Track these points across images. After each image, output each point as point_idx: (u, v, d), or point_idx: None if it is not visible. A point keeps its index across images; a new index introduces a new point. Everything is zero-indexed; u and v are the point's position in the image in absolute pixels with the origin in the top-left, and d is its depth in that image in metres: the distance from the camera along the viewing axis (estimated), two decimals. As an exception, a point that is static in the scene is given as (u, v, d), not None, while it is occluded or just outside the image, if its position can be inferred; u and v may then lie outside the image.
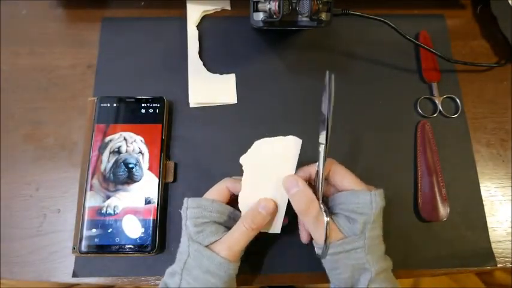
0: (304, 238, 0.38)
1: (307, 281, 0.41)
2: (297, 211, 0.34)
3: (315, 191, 0.34)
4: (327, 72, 0.33)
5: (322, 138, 0.34)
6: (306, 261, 0.40)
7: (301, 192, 0.33)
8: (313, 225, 0.33)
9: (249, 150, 0.35)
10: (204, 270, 0.32)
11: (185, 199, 0.35)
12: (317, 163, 0.34)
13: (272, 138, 0.36)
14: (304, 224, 0.36)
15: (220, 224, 0.35)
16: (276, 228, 0.36)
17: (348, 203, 0.33)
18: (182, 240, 0.35)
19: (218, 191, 0.36)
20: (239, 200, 0.35)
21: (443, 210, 0.42)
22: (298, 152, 0.35)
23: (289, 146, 0.35)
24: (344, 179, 0.35)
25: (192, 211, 0.34)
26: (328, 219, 0.32)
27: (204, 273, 0.32)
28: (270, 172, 0.35)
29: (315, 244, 0.35)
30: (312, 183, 0.35)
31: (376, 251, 0.33)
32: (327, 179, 0.36)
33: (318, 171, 0.34)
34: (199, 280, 0.32)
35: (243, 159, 0.35)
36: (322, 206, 0.33)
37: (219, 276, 0.32)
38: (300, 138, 0.45)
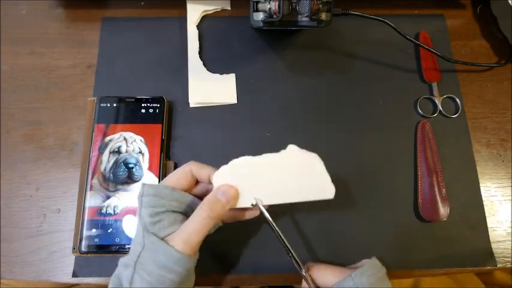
0: None
1: (307, 281, 0.41)
2: None
3: None
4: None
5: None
6: (306, 262, 0.40)
7: None
8: None
9: (304, 150, 0.33)
10: (159, 265, 0.29)
11: (142, 184, 0.33)
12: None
13: (324, 169, 0.33)
14: None
15: (179, 213, 0.32)
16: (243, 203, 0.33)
17: None
18: (136, 230, 0.32)
19: (181, 176, 0.33)
20: (221, 169, 0.33)
21: (443, 210, 0.42)
22: (320, 198, 0.33)
23: (324, 188, 0.33)
24: (326, 277, 0.35)
25: (148, 199, 0.31)
26: None
27: (159, 268, 0.29)
28: (285, 177, 0.33)
29: None
30: None
31: None
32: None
33: (305, 281, 0.35)
34: (154, 275, 0.29)
35: (290, 148, 0.33)
36: None
37: (175, 272, 0.29)
38: (301, 137, 0.45)
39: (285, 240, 0.34)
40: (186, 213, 0.33)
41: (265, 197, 0.33)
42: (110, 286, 0.31)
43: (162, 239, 0.30)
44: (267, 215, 0.33)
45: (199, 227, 0.30)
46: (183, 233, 0.30)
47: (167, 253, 0.29)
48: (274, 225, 0.33)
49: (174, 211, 0.32)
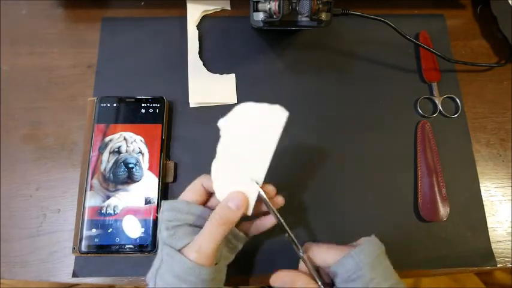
0: None
1: (307, 281, 0.41)
2: None
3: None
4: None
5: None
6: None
7: (301, 283, 0.33)
8: None
9: (230, 114, 0.33)
10: (174, 275, 0.30)
11: (162, 202, 0.34)
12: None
13: (257, 104, 0.32)
14: None
15: (195, 226, 0.33)
16: (248, 210, 0.34)
17: (340, 275, 0.32)
18: (158, 245, 0.34)
19: (194, 191, 0.34)
20: (212, 169, 0.33)
21: (443, 210, 0.42)
22: (283, 125, 0.32)
23: (274, 116, 0.32)
24: (322, 255, 0.34)
25: (165, 214, 0.33)
26: None
27: (174, 277, 0.30)
28: (249, 141, 0.33)
29: None
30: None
31: None
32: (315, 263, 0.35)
33: (303, 261, 0.34)
34: (171, 286, 0.30)
35: (222, 123, 0.33)
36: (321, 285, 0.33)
37: (189, 281, 0.30)
38: (301, 137, 0.45)
39: (282, 220, 0.33)
40: (202, 225, 0.33)
41: (258, 173, 0.33)
42: None
43: (178, 251, 0.31)
44: (264, 195, 0.33)
45: (210, 236, 0.31)
46: (195, 243, 0.31)
47: (180, 263, 0.30)
48: (271, 205, 0.33)
49: (190, 224, 0.33)
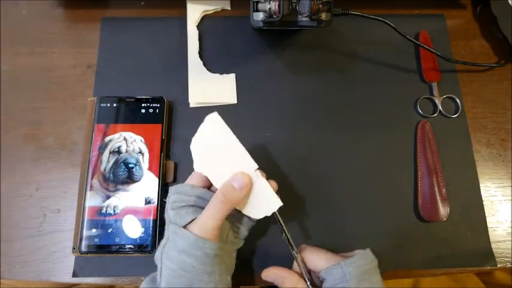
0: None
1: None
2: None
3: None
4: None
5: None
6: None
7: (289, 283, 0.34)
8: None
9: (194, 138, 0.35)
10: (179, 250, 0.31)
11: (170, 187, 0.36)
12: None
13: (199, 129, 0.36)
14: None
15: (198, 207, 0.34)
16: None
17: (328, 281, 0.33)
18: (165, 227, 0.35)
19: (198, 177, 0.36)
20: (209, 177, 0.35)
21: (443, 210, 0.42)
22: (222, 121, 0.35)
23: (213, 121, 0.35)
24: (316, 260, 0.35)
25: (172, 197, 0.34)
26: None
27: (179, 253, 0.31)
28: (218, 151, 0.35)
29: None
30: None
31: None
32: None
33: (296, 261, 0.35)
34: (176, 261, 0.31)
35: (192, 146, 0.35)
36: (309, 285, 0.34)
37: (194, 255, 0.31)
38: (301, 137, 0.45)
39: (280, 218, 0.35)
40: (205, 206, 0.34)
41: (246, 164, 0.35)
42: (142, 285, 0.33)
43: (182, 227, 0.32)
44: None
45: (213, 212, 0.32)
46: (199, 219, 0.32)
47: (184, 237, 0.31)
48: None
49: (193, 205, 0.34)
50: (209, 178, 0.34)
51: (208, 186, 0.36)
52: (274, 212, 0.34)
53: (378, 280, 0.34)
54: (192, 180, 0.36)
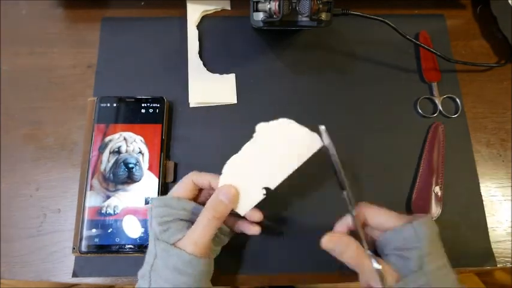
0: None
1: (307, 281, 0.41)
2: (353, 268, 0.32)
3: (359, 239, 0.32)
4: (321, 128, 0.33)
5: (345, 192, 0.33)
6: (306, 262, 0.40)
7: (350, 251, 0.31)
8: (370, 275, 0.31)
9: (272, 122, 0.34)
10: (172, 269, 0.31)
11: (150, 198, 0.35)
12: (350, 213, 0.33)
13: (300, 125, 0.34)
14: (363, 277, 0.33)
15: (186, 221, 0.34)
16: (243, 209, 0.35)
17: (395, 241, 0.31)
18: (149, 241, 0.34)
19: (185, 187, 0.35)
20: (229, 161, 0.34)
21: (435, 209, 0.42)
22: (313, 152, 0.34)
23: (309, 142, 0.34)
24: (381, 219, 0.33)
25: (157, 210, 0.33)
26: (380, 266, 0.30)
27: (172, 271, 0.31)
28: (273, 155, 0.34)
29: None
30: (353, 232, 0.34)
31: (445, 283, 0.30)
32: (366, 225, 0.35)
33: (353, 221, 0.33)
34: (169, 280, 0.31)
35: (260, 126, 0.34)
36: (369, 252, 0.31)
37: (188, 274, 0.31)
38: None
39: (343, 174, 0.33)
40: (193, 220, 0.34)
41: (271, 181, 0.34)
42: None
43: (172, 245, 0.32)
44: (327, 142, 0.33)
45: (205, 229, 0.32)
46: (191, 236, 0.32)
47: (178, 256, 0.31)
48: (337, 159, 0.33)
49: (181, 219, 0.34)
50: (225, 166, 0.34)
51: (195, 196, 0.36)
52: (339, 169, 0.33)
53: (442, 245, 0.32)
54: (177, 191, 0.35)
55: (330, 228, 0.42)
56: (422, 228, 0.31)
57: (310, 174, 0.44)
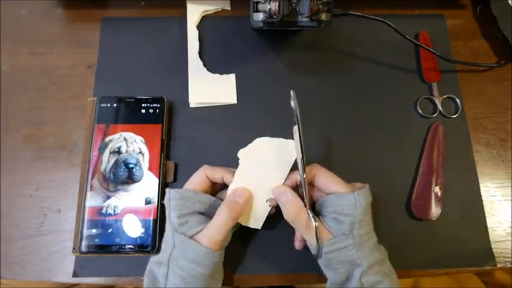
0: (297, 245, 0.39)
1: (307, 281, 0.41)
2: (287, 219, 0.35)
3: (302, 197, 0.35)
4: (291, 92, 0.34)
5: (297, 149, 0.35)
6: (306, 262, 0.40)
7: (290, 201, 0.35)
8: (304, 229, 0.34)
9: (249, 145, 0.37)
10: (190, 260, 0.33)
11: (167, 190, 0.36)
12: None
13: (274, 138, 0.37)
14: (296, 230, 0.38)
15: (202, 214, 0.36)
16: (257, 223, 0.38)
17: (334, 205, 0.35)
18: (166, 231, 0.36)
19: (199, 181, 0.37)
20: (229, 190, 0.37)
21: (435, 210, 0.42)
22: (295, 156, 0.36)
23: (287, 149, 0.37)
24: (328, 182, 0.36)
25: (175, 202, 0.35)
26: (317, 223, 0.34)
27: (190, 263, 0.33)
28: (264, 171, 0.37)
29: (309, 246, 0.37)
30: (298, 189, 0.36)
31: (366, 246, 0.34)
32: (312, 184, 0.37)
33: (300, 179, 0.35)
34: (186, 270, 0.33)
35: (241, 153, 0.37)
36: (309, 211, 0.34)
37: (204, 265, 0.33)
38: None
39: (301, 136, 0.34)
40: (208, 212, 0.36)
41: (271, 192, 0.37)
42: (145, 285, 0.36)
43: (190, 237, 0.34)
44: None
45: (222, 227, 0.34)
46: (208, 232, 0.34)
47: (196, 249, 0.34)
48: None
49: (198, 212, 0.36)
50: (237, 171, 0.37)
51: (208, 189, 0.38)
52: (297, 119, 0.33)
53: (371, 213, 0.36)
54: (191, 184, 0.37)
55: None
56: (361, 199, 0.34)
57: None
